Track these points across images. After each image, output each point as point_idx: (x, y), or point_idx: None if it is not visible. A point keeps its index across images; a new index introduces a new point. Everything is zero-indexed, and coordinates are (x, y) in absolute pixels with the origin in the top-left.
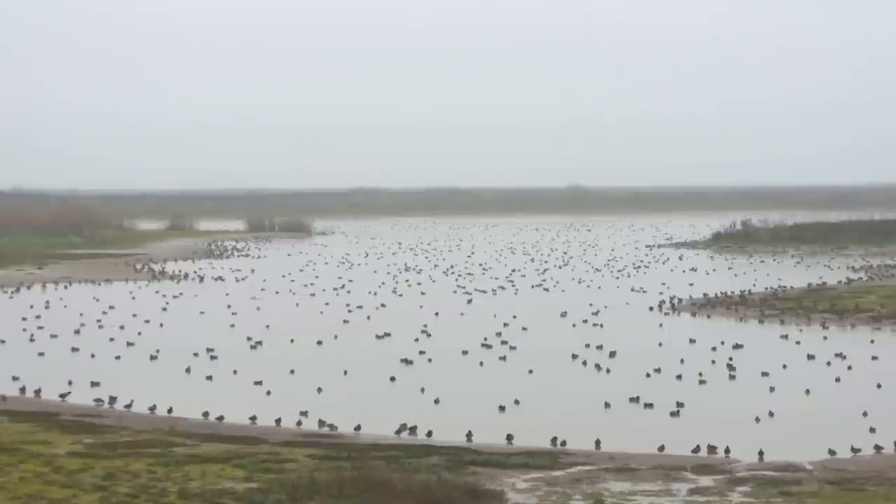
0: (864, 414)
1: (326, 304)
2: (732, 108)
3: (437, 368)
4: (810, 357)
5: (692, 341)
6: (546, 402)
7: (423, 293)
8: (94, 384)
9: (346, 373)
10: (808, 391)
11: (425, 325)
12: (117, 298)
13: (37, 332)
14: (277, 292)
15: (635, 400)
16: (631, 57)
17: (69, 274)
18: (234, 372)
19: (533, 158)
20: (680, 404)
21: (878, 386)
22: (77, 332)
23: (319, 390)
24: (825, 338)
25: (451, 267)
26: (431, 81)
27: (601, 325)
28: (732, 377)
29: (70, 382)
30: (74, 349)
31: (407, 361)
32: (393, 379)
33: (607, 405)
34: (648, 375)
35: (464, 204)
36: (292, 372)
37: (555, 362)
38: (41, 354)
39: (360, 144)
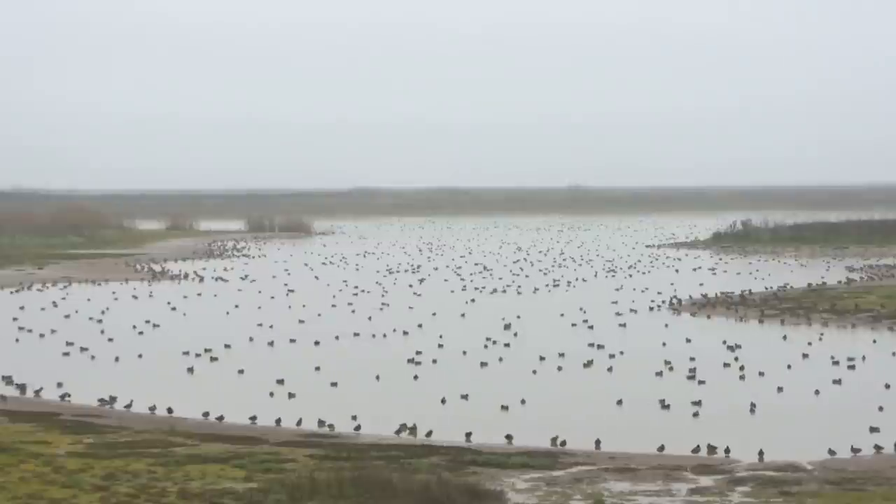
0: (880, 409)
1: (326, 304)
2: (732, 109)
3: (437, 368)
4: (810, 357)
5: (691, 341)
6: (547, 402)
7: (423, 293)
8: (93, 384)
9: (356, 374)
10: (808, 391)
11: (425, 326)
12: (117, 298)
13: (36, 333)
14: (277, 293)
15: (637, 400)
16: (630, 57)
17: (69, 274)
18: (240, 371)
19: (533, 158)
20: (679, 405)
21: (887, 386)
22: (77, 332)
23: (319, 391)
24: (820, 337)
25: (452, 267)
26: (431, 82)
27: (602, 326)
28: (731, 377)
29: (67, 383)
30: (74, 349)
31: (407, 362)
32: (393, 379)
33: (609, 405)
34: (653, 375)
35: (464, 204)
36: (293, 372)
37: (556, 362)
38: (40, 354)
39: (360, 144)
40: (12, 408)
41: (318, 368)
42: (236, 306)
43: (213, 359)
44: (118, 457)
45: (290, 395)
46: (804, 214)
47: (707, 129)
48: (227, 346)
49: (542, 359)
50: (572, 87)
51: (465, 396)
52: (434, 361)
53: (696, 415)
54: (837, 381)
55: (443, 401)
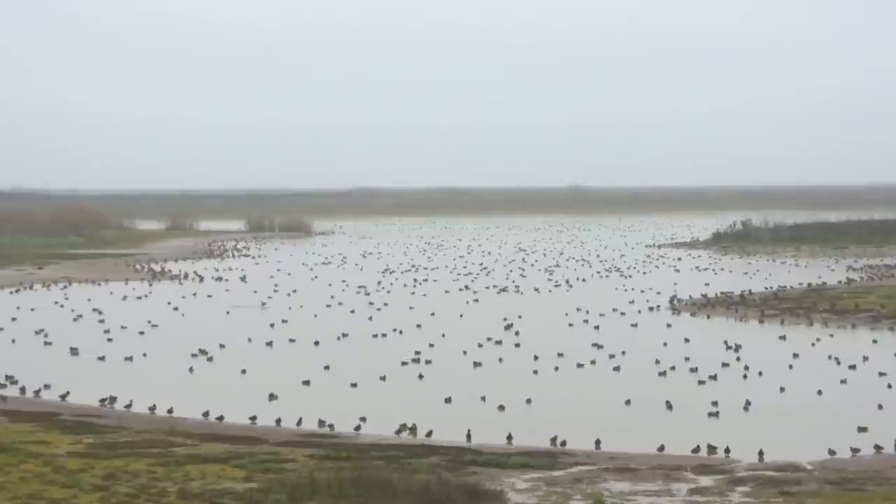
0: (880, 407)
1: (326, 305)
2: (732, 109)
3: (437, 369)
4: (810, 357)
5: (690, 341)
6: (547, 402)
7: (424, 293)
8: (93, 384)
9: (356, 374)
10: (808, 391)
11: (425, 326)
12: (117, 298)
13: (36, 333)
14: (276, 293)
15: (637, 400)
16: (630, 57)
17: (69, 274)
18: (243, 372)
19: (533, 158)
20: (680, 405)
21: (889, 386)
22: (77, 331)
23: (319, 391)
24: (820, 337)
25: (452, 267)
26: (431, 82)
27: (602, 326)
28: (732, 377)
29: (67, 383)
30: (75, 349)
31: (407, 362)
32: (393, 379)
33: (609, 405)
34: (653, 375)
35: (464, 204)
36: (292, 372)
37: (557, 363)
38: (40, 354)
39: (360, 144)
40: (12, 408)
41: (317, 369)
42: (230, 307)
43: (212, 359)
44: (118, 457)
45: (290, 396)
46: (804, 214)
47: (707, 129)
48: (224, 347)
49: (537, 358)
50: (572, 87)
51: (465, 397)
52: (428, 362)
53: (695, 414)
54: (839, 382)
55: (447, 400)
